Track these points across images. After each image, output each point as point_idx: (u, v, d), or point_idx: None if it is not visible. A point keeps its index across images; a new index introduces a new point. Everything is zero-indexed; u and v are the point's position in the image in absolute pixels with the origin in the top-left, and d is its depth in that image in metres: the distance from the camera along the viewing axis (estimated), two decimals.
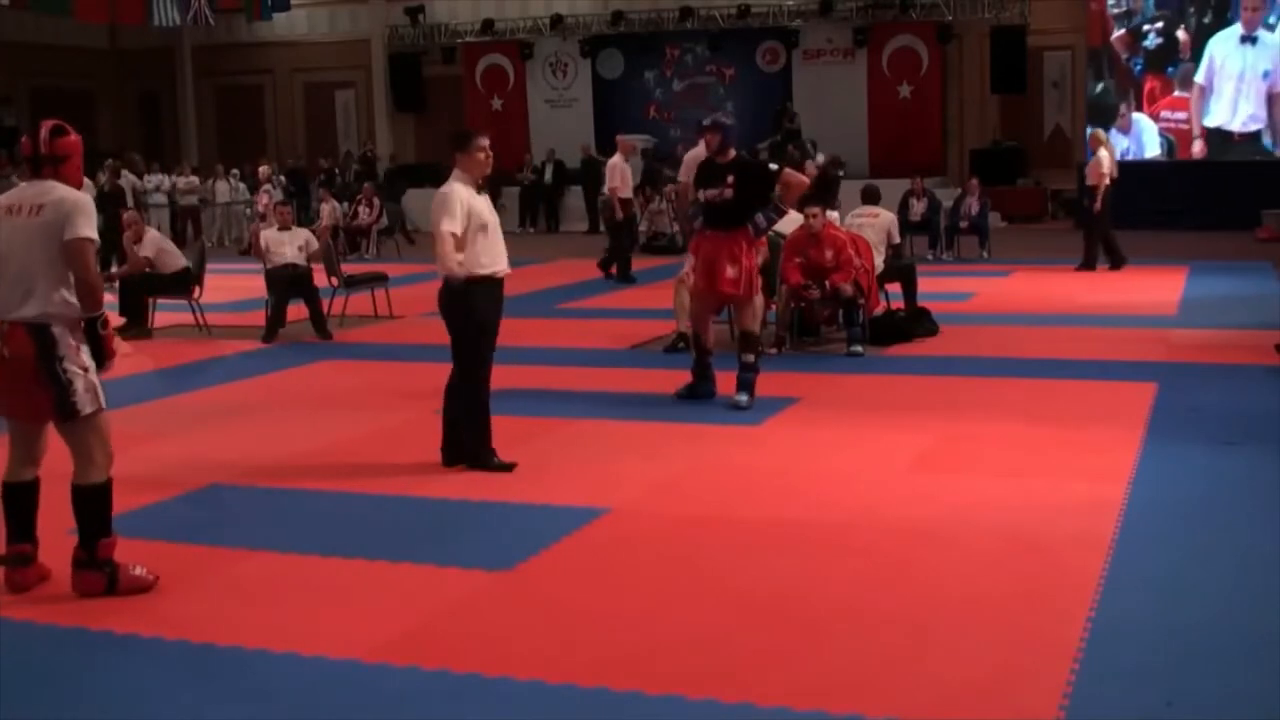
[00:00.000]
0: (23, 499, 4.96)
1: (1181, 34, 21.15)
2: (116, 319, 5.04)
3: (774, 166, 8.66)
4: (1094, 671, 4.02)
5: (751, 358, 8.16)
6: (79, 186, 4.95)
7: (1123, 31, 21.63)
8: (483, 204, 6.68)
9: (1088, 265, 15.13)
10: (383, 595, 4.95)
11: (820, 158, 18.33)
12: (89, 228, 4.77)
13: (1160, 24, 21.39)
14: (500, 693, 4.02)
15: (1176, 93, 21.23)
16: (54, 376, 4.74)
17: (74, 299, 4.78)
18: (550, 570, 5.21)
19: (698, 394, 8.34)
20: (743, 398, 8.07)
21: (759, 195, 8.16)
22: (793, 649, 4.30)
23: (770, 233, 10.41)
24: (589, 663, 4.23)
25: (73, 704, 4.07)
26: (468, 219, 6.51)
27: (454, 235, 6.47)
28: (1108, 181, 14.88)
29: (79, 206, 4.78)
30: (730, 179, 8.00)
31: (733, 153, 8.21)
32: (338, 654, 4.32)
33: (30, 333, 4.73)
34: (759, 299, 9.70)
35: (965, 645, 4.29)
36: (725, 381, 8.26)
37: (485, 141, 6.73)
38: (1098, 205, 14.91)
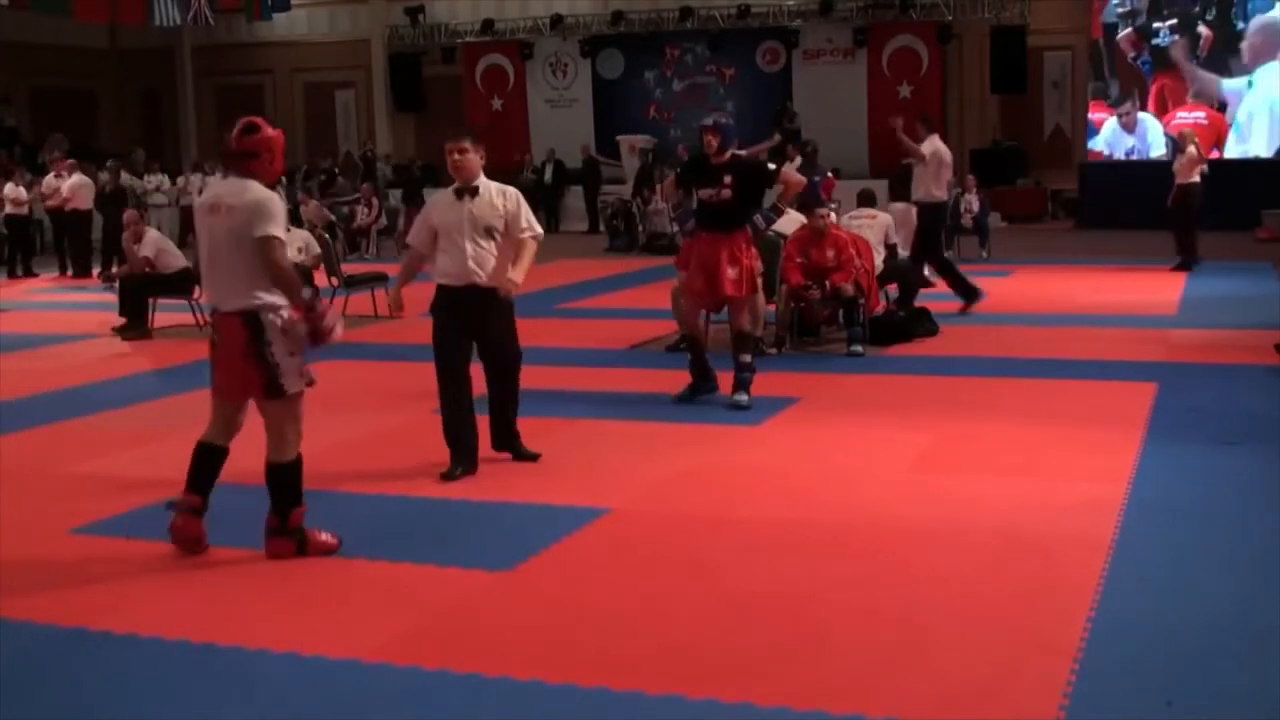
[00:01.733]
0: (211, 459, 5.43)
1: (1203, 29, 21.08)
2: (329, 306, 5.51)
3: (772, 166, 8.62)
4: (1094, 671, 4.02)
5: (748, 357, 8.14)
6: (273, 181, 5.38)
7: (1129, 30, 21.56)
8: (456, 211, 6.55)
9: (1186, 265, 14.86)
10: (383, 595, 4.95)
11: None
12: (274, 226, 5.16)
13: (1174, 21, 21.31)
14: (500, 693, 4.02)
15: (1189, 100, 21.25)
16: (263, 360, 5.19)
17: (274, 291, 5.19)
18: (550, 570, 5.21)
19: (700, 392, 8.33)
20: (743, 398, 8.06)
21: (757, 195, 8.14)
22: (793, 649, 4.30)
23: (770, 233, 10.43)
24: (589, 663, 4.23)
25: (73, 704, 4.07)
26: (427, 228, 6.68)
27: (411, 246, 6.89)
28: (1196, 178, 14.81)
29: (262, 205, 5.19)
30: (728, 179, 7.92)
31: (729, 154, 8.10)
32: (338, 654, 4.32)
33: (242, 321, 5.18)
34: (760, 298, 9.70)
35: (965, 645, 4.29)
36: (726, 381, 8.26)
37: (454, 144, 6.55)
38: (1170, 201, 14.79)
